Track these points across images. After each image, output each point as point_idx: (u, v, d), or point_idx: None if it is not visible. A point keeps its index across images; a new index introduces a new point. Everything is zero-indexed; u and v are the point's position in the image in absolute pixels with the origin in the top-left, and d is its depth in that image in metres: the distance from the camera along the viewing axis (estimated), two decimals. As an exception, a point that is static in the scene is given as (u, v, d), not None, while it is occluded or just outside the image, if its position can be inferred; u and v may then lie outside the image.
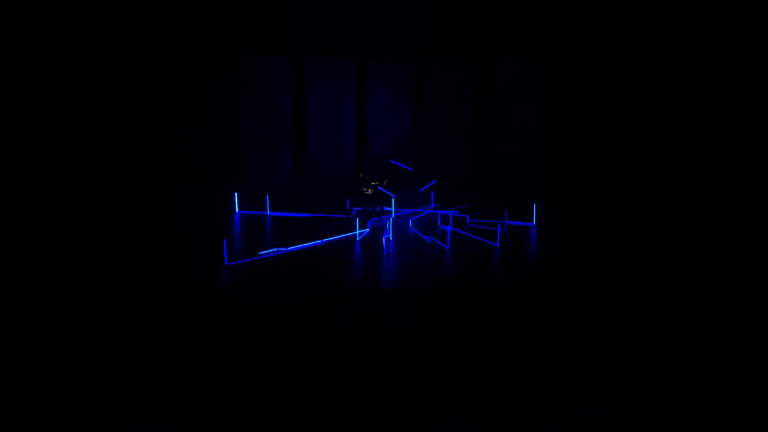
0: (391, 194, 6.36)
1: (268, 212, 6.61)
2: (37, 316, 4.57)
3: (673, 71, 6.69)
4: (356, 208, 6.51)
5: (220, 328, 4.45)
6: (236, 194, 6.69)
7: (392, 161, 6.69)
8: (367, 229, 6.24)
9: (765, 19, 6.35)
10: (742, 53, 6.49)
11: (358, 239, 6.02)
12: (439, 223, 6.43)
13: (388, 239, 6.03)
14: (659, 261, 5.51)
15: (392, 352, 4.18)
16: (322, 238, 5.95)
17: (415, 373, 3.97)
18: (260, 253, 5.62)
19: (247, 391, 3.83)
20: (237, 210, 6.66)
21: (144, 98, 6.76)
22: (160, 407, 3.71)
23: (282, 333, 4.40)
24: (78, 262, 5.35)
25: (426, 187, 6.63)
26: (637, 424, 3.63)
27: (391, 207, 6.41)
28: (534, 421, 3.64)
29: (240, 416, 3.66)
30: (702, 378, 3.96)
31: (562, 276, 5.30)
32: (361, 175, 6.40)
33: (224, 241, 5.46)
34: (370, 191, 6.38)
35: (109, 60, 6.66)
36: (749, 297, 4.88)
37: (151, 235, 5.95)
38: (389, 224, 6.22)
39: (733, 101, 6.55)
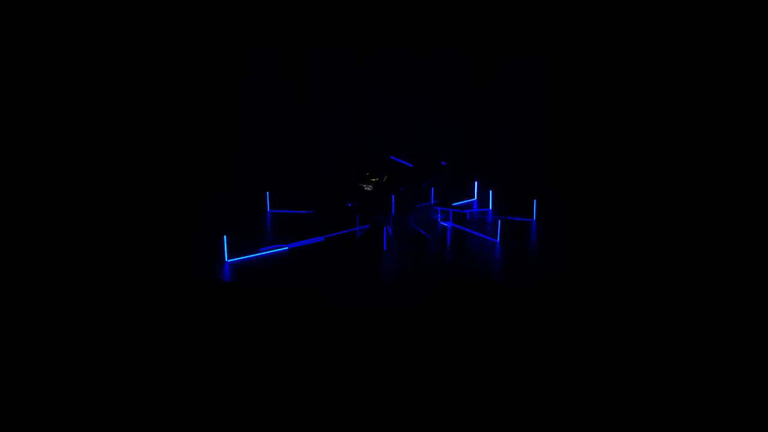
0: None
1: (268, 210, 6.60)
2: (36, 316, 4.60)
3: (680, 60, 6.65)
4: (356, 204, 6.49)
5: (219, 327, 4.47)
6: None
7: (392, 157, 6.67)
8: (368, 225, 6.23)
9: (765, 18, 6.31)
10: (744, 50, 6.46)
11: (358, 235, 6.02)
12: (439, 219, 6.42)
13: (388, 235, 6.02)
14: (662, 259, 5.49)
15: (391, 351, 4.19)
16: (322, 235, 5.95)
17: (415, 373, 3.98)
18: (261, 249, 5.64)
19: (246, 391, 3.85)
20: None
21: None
22: (160, 408, 3.73)
23: (280, 331, 4.42)
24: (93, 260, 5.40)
25: (428, 182, 6.61)
26: (636, 424, 3.64)
27: (391, 203, 6.39)
28: (534, 421, 3.65)
29: (240, 417, 3.68)
30: (702, 378, 3.96)
31: (562, 274, 5.30)
32: (352, 170, 6.37)
33: (224, 237, 5.49)
34: (369, 188, 6.35)
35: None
36: (750, 297, 4.86)
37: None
38: (389, 220, 6.22)
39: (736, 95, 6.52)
